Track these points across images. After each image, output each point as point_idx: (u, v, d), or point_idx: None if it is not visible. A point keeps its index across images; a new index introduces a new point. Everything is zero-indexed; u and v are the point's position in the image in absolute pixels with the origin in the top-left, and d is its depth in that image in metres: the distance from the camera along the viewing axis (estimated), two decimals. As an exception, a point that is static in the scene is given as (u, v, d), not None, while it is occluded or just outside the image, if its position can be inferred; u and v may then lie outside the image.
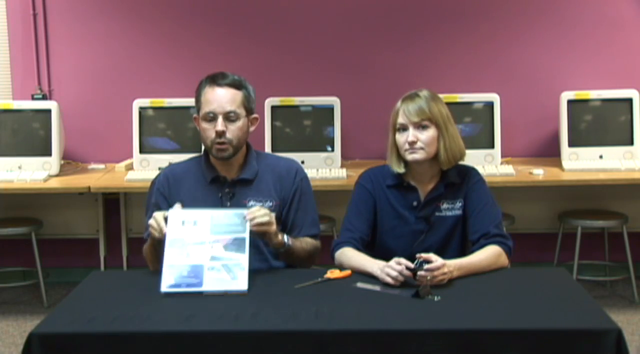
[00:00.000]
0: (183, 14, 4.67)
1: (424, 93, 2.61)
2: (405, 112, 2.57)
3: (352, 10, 4.67)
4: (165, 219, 2.40)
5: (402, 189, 2.66)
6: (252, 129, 2.68)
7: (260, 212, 2.43)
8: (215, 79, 2.62)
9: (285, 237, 2.56)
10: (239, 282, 2.27)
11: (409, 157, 2.58)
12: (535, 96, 4.66)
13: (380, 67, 4.68)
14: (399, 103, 2.61)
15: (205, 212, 2.42)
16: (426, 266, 2.29)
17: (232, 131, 2.58)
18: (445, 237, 2.64)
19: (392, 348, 1.99)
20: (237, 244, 2.35)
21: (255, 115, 2.69)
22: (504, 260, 2.53)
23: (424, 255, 2.33)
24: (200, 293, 2.25)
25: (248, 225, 2.39)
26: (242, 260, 2.32)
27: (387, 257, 2.44)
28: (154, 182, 2.76)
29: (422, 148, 2.56)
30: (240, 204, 2.62)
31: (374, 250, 2.65)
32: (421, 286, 2.23)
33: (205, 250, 2.34)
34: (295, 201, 2.69)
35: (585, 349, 1.98)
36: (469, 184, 2.64)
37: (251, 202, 2.62)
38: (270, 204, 2.64)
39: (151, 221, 2.41)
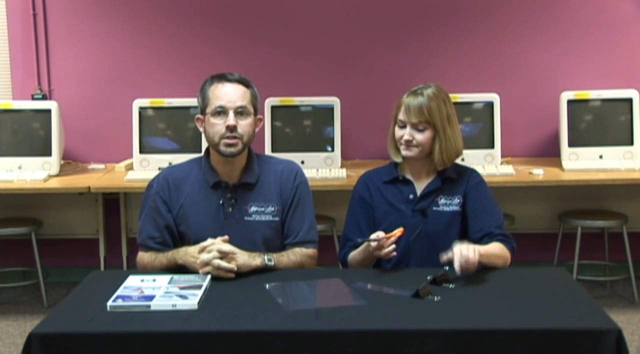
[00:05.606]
0: (183, 14, 4.67)
1: (428, 91, 2.61)
2: (406, 109, 2.60)
3: (352, 11, 4.67)
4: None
5: (398, 183, 2.69)
6: (257, 130, 2.63)
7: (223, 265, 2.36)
8: (223, 76, 2.59)
9: (266, 258, 2.48)
10: (190, 301, 2.17)
11: (403, 152, 2.63)
12: (535, 96, 4.66)
13: (380, 67, 4.68)
14: (403, 97, 2.64)
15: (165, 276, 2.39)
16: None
17: (243, 126, 2.54)
18: (441, 232, 2.62)
19: (392, 348, 1.99)
20: (195, 283, 2.31)
21: (259, 116, 2.65)
22: (507, 258, 2.53)
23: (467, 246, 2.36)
24: (147, 307, 2.15)
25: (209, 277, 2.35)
26: (198, 286, 2.28)
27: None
28: (151, 184, 2.68)
29: (416, 146, 2.60)
30: (242, 209, 2.59)
31: None
32: (421, 285, 2.23)
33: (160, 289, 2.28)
34: (293, 205, 2.64)
35: (585, 349, 1.98)
36: (471, 183, 2.66)
37: (253, 208, 2.60)
38: (272, 209, 2.62)
39: (203, 260, 2.36)
